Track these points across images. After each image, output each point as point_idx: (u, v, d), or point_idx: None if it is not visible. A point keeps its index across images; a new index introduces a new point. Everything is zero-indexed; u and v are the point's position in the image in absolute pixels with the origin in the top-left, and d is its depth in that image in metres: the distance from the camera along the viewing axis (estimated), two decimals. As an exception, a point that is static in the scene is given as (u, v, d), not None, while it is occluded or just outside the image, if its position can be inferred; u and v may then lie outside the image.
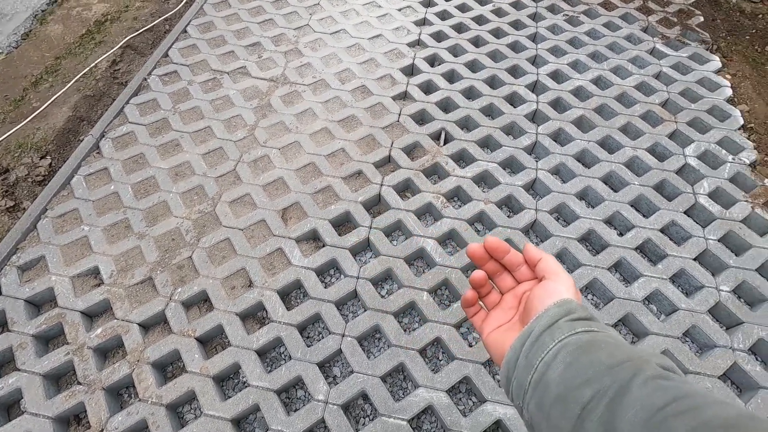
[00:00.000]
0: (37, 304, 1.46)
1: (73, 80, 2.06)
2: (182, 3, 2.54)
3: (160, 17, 2.44)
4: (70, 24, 2.36)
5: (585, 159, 1.83)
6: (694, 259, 1.55)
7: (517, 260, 0.51)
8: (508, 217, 1.64)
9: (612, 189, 1.73)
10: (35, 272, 1.49)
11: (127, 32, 2.32)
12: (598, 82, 2.08)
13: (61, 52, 2.22)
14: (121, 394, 1.33)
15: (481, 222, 1.67)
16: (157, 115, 1.90)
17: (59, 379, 1.35)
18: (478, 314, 0.52)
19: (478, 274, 0.51)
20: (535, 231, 1.67)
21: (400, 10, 2.40)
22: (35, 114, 1.93)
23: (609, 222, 1.68)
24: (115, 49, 2.21)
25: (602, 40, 2.25)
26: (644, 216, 1.66)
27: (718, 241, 1.58)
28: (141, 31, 2.34)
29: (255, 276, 1.48)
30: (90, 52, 2.23)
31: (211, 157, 1.79)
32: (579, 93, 2.04)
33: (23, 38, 2.31)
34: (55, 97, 2.00)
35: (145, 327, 1.41)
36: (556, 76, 2.11)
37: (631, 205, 1.69)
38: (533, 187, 1.77)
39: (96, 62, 2.15)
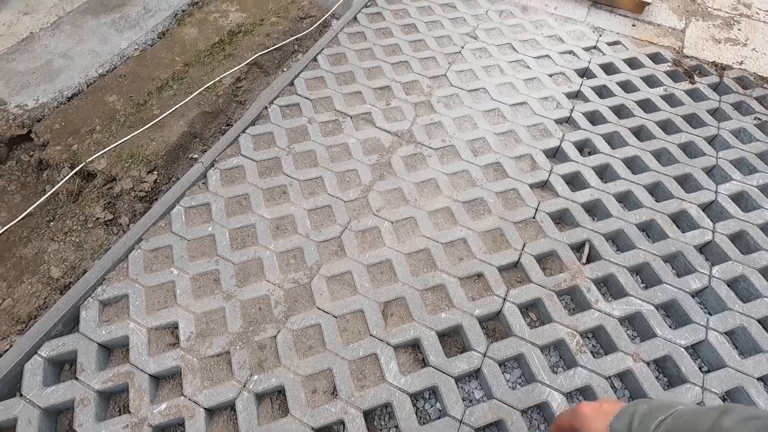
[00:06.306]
0: (110, 349, 1.34)
1: (196, 92, 1.99)
2: (315, 24, 2.41)
3: (291, 36, 2.33)
4: (205, 29, 2.32)
5: (771, 324, 1.42)
6: None
7: None
8: (664, 389, 1.27)
9: (808, 380, 1.30)
10: (115, 312, 1.38)
11: (257, 48, 2.22)
12: (796, 218, 1.64)
13: (190, 58, 2.16)
14: (169, 489, 1.16)
15: (625, 384, 1.32)
16: (271, 152, 1.75)
17: (111, 449, 1.21)
18: None
19: None
20: (691, 410, 1.29)
21: (551, 75, 2.09)
22: (153, 123, 1.87)
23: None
24: (242, 65, 2.12)
25: (805, 161, 1.80)
26: None
27: None
28: (270, 49, 2.23)
29: (341, 383, 1.25)
30: (218, 63, 2.15)
31: (318, 215, 1.60)
32: (769, 229, 1.61)
33: (159, 37, 2.29)
34: (175, 107, 1.93)
35: (211, 412, 1.23)
36: (741, 200, 1.69)
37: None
38: (698, 351, 1.39)
39: (221, 77, 2.06)
